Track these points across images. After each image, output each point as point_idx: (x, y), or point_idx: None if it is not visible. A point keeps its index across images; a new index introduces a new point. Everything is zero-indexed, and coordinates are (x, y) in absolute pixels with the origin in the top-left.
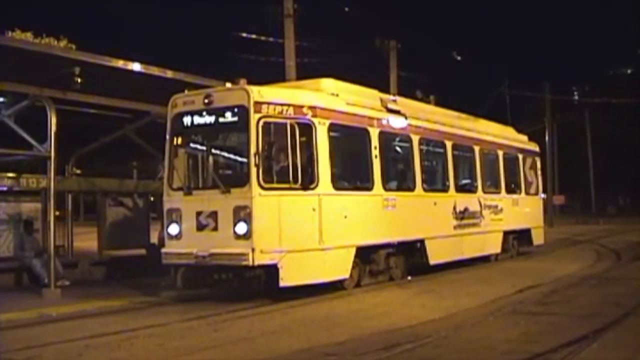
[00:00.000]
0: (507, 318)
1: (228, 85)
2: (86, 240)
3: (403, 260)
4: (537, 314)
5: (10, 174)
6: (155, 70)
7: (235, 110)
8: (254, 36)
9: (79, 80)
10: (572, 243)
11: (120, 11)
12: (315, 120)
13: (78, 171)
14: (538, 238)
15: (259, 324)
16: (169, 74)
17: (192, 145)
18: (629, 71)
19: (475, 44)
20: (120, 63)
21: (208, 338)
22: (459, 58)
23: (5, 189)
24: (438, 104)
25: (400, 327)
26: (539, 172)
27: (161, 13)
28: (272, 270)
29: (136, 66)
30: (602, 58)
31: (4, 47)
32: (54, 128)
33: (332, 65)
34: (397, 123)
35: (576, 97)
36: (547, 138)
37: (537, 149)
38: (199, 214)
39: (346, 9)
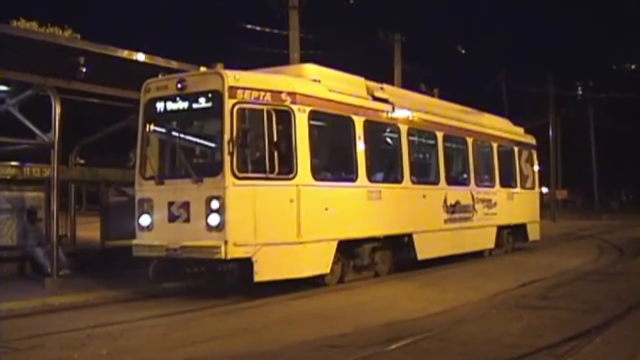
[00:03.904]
0: (510, 312)
1: (203, 69)
2: (89, 230)
3: (390, 255)
4: (540, 308)
5: (14, 163)
6: (160, 61)
7: (209, 95)
8: (259, 28)
9: (84, 69)
10: (574, 238)
11: (125, 1)
12: (295, 107)
13: (81, 161)
14: (534, 233)
15: (262, 316)
16: (174, 64)
17: (164, 132)
18: (633, 67)
19: (479, 38)
20: (125, 53)
21: (212, 329)
22: (463, 51)
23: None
24: (442, 97)
25: (403, 319)
26: (536, 166)
27: (167, 3)
28: (246, 264)
29: (140, 56)
30: (606, 53)
31: (9, 36)
32: (58, 117)
33: (336, 57)
34: (384, 112)
35: (580, 92)
36: (550, 133)
37: (534, 141)
38: (170, 204)
39: (350, 1)
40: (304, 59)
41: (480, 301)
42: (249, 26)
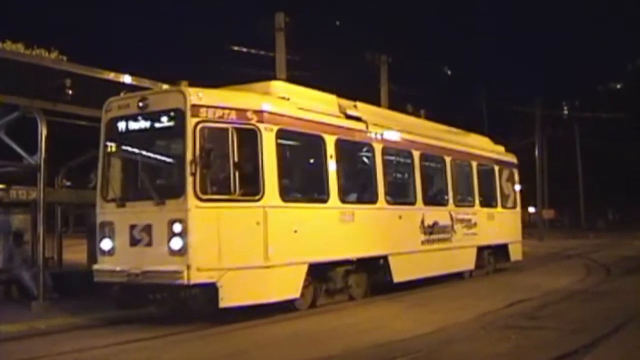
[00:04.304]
0: (498, 332)
1: (165, 87)
2: (76, 252)
3: (365, 278)
4: (528, 328)
5: (0, 186)
6: (146, 82)
7: (171, 114)
8: (245, 49)
9: (70, 91)
10: (562, 257)
11: (113, 24)
12: (261, 126)
13: (68, 183)
14: (516, 254)
15: (250, 338)
16: (160, 86)
17: (126, 152)
18: (618, 86)
19: (466, 59)
20: (111, 75)
21: (200, 351)
22: (449, 72)
23: None
24: (428, 117)
25: (392, 340)
26: (517, 185)
27: (154, 25)
28: (210, 290)
29: (127, 78)
30: (591, 73)
31: None
32: (44, 139)
33: (324, 79)
34: (357, 130)
35: (566, 112)
36: (537, 152)
37: (515, 160)
38: (132, 227)
39: (337, 22)
40: (291, 80)
41: (469, 321)
42: (235, 48)
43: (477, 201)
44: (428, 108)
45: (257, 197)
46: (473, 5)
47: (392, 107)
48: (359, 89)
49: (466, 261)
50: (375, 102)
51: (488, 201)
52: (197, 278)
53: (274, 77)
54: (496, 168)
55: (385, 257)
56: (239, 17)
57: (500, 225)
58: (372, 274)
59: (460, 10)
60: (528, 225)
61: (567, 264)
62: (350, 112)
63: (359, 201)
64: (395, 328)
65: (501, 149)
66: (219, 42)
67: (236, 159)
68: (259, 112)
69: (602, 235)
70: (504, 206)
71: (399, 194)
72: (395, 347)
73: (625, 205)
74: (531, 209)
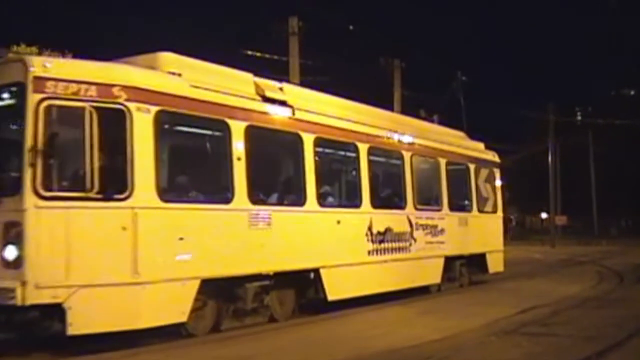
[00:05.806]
0: (509, 339)
1: (11, 56)
2: None
3: (292, 295)
4: (539, 335)
5: None
6: None
7: (12, 89)
8: (259, 54)
9: None
10: (574, 264)
11: (125, 28)
12: (132, 106)
13: None
14: (496, 265)
15: (256, 344)
16: None
17: None
18: (632, 92)
19: (480, 65)
20: None
21: (208, 356)
22: (464, 78)
23: None
24: (442, 123)
25: (401, 347)
26: (498, 187)
27: (166, 29)
28: (55, 313)
29: None
30: (605, 79)
31: None
32: None
33: (337, 83)
34: (277, 117)
35: (579, 118)
36: (549, 158)
37: (496, 158)
38: None
39: (350, 27)
40: (305, 85)
41: (480, 328)
42: (249, 52)
43: (445, 204)
44: (442, 114)
45: (123, 196)
46: (486, 10)
47: (405, 112)
48: (373, 94)
49: (430, 274)
50: (388, 106)
51: (460, 204)
52: (36, 298)
53: (288, 82)
54: (471, 167)
55: (316, 271)
56: (253, 21)
57: (476, 232)
58: (302, 290)
59: (471, 15)
60: (540, 231)
61: (579, 271)
62: (270, 94)
63: (280, 203)
64: (406, 334)
65: (479, 145)
66: (232, 46)
67: (95, 147)
68: (129, 89)
69: (614, 242)
70: (480, 210)
71: (338, 195)
72: (406, 353)
73: (639, 212)
74: (543, 215)
